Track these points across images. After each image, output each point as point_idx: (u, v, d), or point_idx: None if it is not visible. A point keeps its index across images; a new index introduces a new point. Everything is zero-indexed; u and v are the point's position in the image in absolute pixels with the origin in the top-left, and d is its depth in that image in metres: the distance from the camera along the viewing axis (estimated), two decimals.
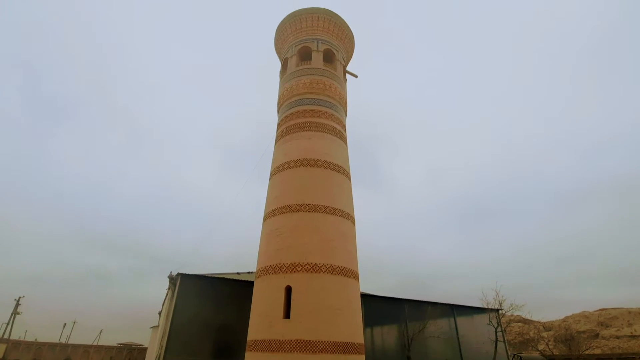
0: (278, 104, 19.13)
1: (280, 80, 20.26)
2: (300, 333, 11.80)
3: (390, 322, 23.03)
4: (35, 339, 71.43)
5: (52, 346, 70.64)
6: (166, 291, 23.00)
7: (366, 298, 19.66)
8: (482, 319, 25.91)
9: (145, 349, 71.66)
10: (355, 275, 14.08)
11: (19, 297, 62.78)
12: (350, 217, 15.25)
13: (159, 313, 36.36)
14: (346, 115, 19.22)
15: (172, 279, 19.05)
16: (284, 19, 19.93)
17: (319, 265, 12.91)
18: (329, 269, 13.02)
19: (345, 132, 18.31)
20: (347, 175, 16.56)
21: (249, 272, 21.72)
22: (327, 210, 14.33)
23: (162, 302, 24.80)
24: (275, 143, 17.67)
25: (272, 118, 20.21)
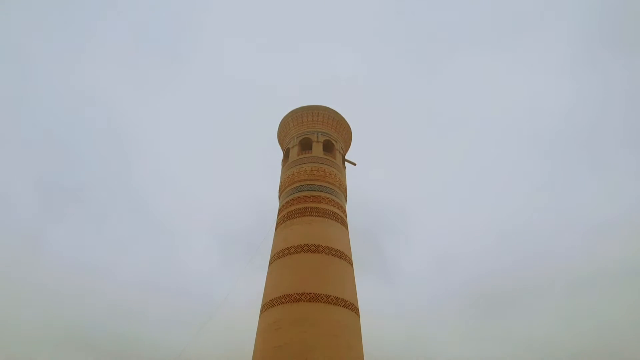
0: (279, 190, 19.51)
1: (282, 168, 21.06)
2: None
3: None
4: None
5: None
6: None
7: None
8: None
9: None
10: None
11: None
12: (354, 308, 14.12)
13: None
14: (346, 200, 19.43)
15: None
16: (288, 114, 21.70)
17: None
18: None
19: (346, 217, 18.25)
20: (350, 262, 15.90)
21: None
22: (329, 300, 13.33)
23: None
24: (276, 229, 17.44)
25: (272, 207, 20.43)
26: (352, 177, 22.46)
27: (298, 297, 13.25)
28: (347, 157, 22.57)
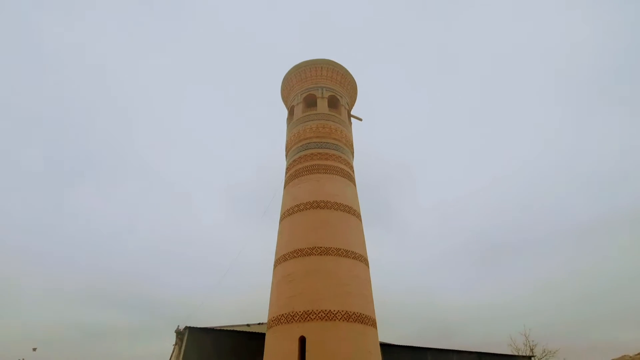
0: (286, 149, 19.53)
1: (287, 127, 20.88)
2: None
3: None
4: None
5: None
6: (172, 347, 21.86)
7: (385, 348, 18.31)
8: None
9: None
10: (372, 323, 13.28)
11: (20, 359, 60.30)
12: (363, 259, 14.76)
13: None
14: (353, 157, 19.43)
15: (179, 334, 18.18)
16: (290, 70, 21.02)
17: (334, 313, 12.24)
18: (345, 316, 12.32)
19: (354, 173, 18.39)
20: (358, 216, 16.32)
21: (259, 324, 20.70)
22: (340, 252, 13.92)
23: (169, 358, 23.50)
24: (284, 187, 17.75)
25: (279, 164, 20.58)
26: (359, 132, 22.26)
27: (309, 251, 13.85)
28: (352, 112, 22.17)
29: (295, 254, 14.02)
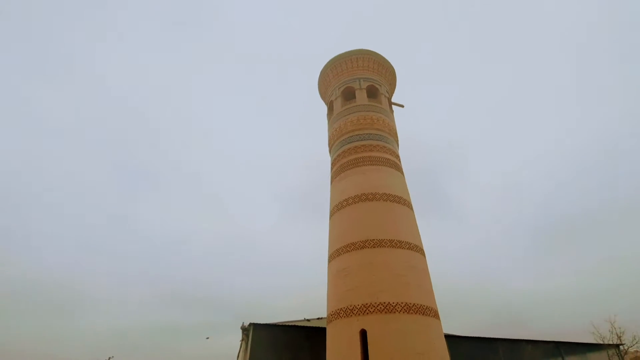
0: (329, 145, 19.54)
1: (328, 123, 20.88)
2: None
3: None
4: None
5: None
6: (240, 343, 23.03)
7: (452, 339, 17.63)
8: (600, 357, 21.59)
9: None
10: (434, 314, 12.82)
11: (109, 357, 67.37)
12: (419, 249, 14.30)
13: None
14: (398, 145, 18.89)
15: (244, 330, 19.09)
16: (325, 65, 20.96)
17: (393, 305, 12.01)
18: (405, 307, 12.04)
19: (400, 161, 17.88)
20: (409, 206, 15.84)
21: (318, 319, 21.05)
22: (393, 244, 13.62)
23: (237, 354, 24.84)
24: (331, 183, 17.78)
25: (323, 159, 20.66)
26: (403, 119, 21.57)
27: (362, 244, 13.73)
28: (393, 99, 21.55)
29: (348, 248, 13.99)
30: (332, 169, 18.25)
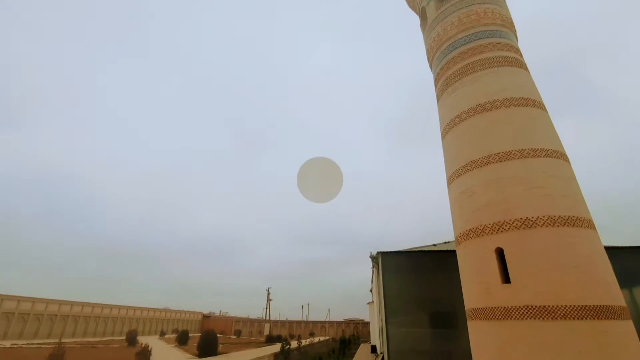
0: (428, 59, 17.46)
1: (423, 35, 18.47)
2: (529, 298, 10.16)
3: None
4: (287, 319, 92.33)
5: (299, 323, 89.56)
6: (371, 270, 24.90)
7: (613, 251, 15.27)
8: None
9: (366, 323, 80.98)
10: (587, 224, 11.07)
11: (268, 288, 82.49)
12: (559, 155, 12.16)
13: (370, 290, 39.95)
14: (516, 37, 15.60)
15: (373, 258, 20.40)
16: None
17: (532, 219, 10.80)
18: (547, 221, 10.70)
19: (521, 56, 14.85)
20: (539, 106, 13.32)
21: (445, 242, 20.87)
22: (524, 154, 11.88)
23: (370, 280, 27.03)
24: (438, 101, 16.15)
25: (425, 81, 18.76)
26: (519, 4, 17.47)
27: (485, 160, 12.40)
28: None
29: (468, 167, 12.86)
30: (436, 85, 16.44)
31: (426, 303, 17.21)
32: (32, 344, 37.23)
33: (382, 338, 19.99)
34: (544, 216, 10.73)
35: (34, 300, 47.34)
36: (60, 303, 51.34)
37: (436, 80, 16.36)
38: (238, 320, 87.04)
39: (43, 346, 31.91)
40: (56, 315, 50.22)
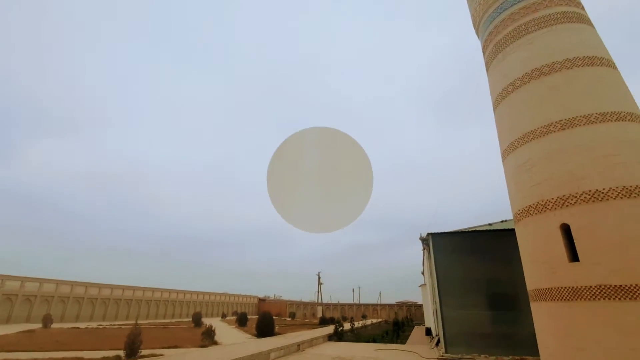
0: (474, 25, 16.21)
1: (467, 0, 17.14)
2: (602, 277, 9.29)
3: None
4: (338, 302, 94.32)
5: (350, 306, 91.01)
6: (422, 252, 24.36)
7: None
8: None
9: (419, 305, 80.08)
10: None
11: (319, 272, 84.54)
12: (634, 117, 10.78)
13: (422, 273, 39.25)
14: None
15: (423, 240, 19.90)
16: None
17: (603, 192, 9.76)
18: (621, 192, 9.61)
19: (583, 9, 13.22)
20: (607, 64, 11.83)
21: (501, 221, 19.72)
22: (591, 119, 10.69)
23: (422, 262, 26.52)
24: (487, 70, 15.00)
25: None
26: None
27: (544, 129, 11.36)
28: None
29: (526, 139, 11.88)
30: (484, 53, 15.25)
31: (483, 284, 16.50)
32: (114, 324, 42.07)
33: (437, 320, 19.62)
34: (617, 187, 9.64)
35: (112, 288, 53.20)
36: (134, 289, 57.14)
37: (484, 47, 15.17)
38: (292, 303, 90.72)
39: (123, 327, 35.85)
40: (131, 299, 56.04)
